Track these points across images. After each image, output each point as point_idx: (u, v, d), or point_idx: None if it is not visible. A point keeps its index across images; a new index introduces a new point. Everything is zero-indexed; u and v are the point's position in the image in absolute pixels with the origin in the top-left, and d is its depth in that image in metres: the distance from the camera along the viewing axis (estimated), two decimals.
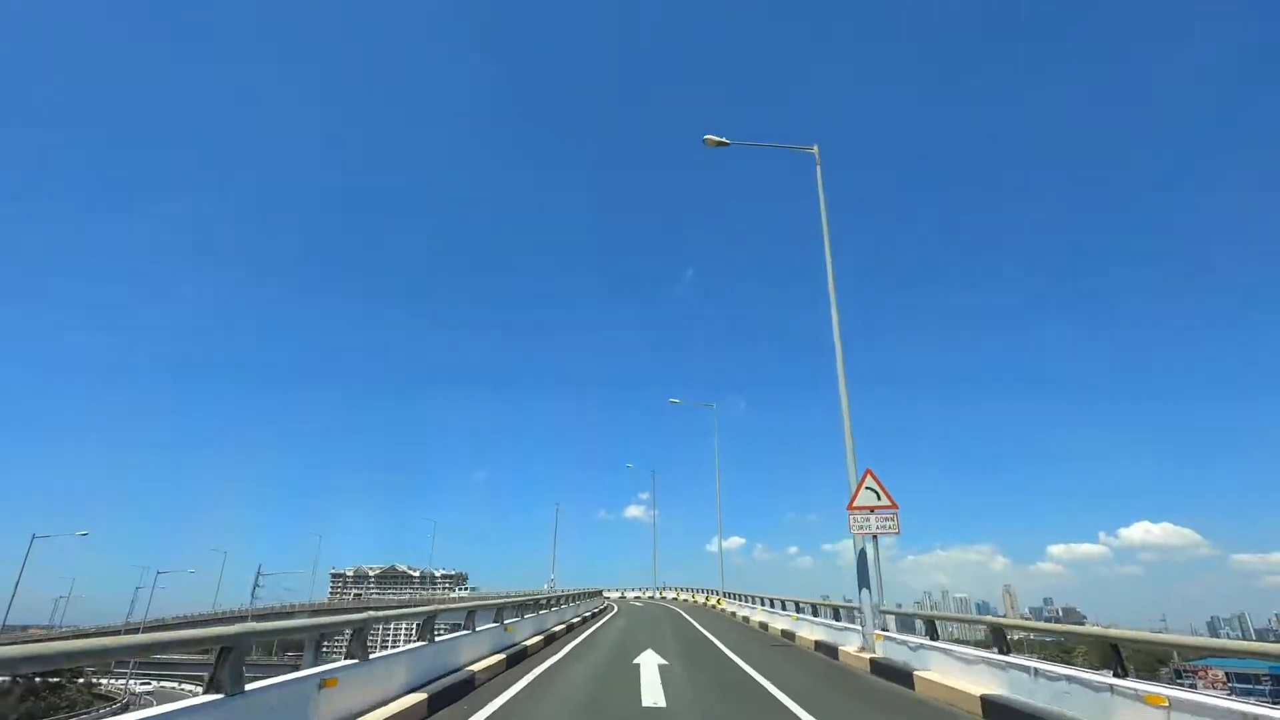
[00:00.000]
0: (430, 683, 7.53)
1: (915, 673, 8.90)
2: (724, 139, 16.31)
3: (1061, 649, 63.06)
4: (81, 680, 43.82)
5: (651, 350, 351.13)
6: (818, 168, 15.38)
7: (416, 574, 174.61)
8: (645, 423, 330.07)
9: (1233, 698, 4.94)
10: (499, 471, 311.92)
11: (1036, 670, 6.65)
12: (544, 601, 17.48)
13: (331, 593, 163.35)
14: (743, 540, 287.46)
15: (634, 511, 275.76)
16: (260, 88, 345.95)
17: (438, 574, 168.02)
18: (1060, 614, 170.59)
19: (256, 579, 52.63)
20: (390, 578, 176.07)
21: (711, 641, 15.54)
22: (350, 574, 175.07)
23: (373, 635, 6.71)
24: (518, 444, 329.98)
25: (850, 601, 13.37)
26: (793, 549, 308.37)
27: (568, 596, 21.57)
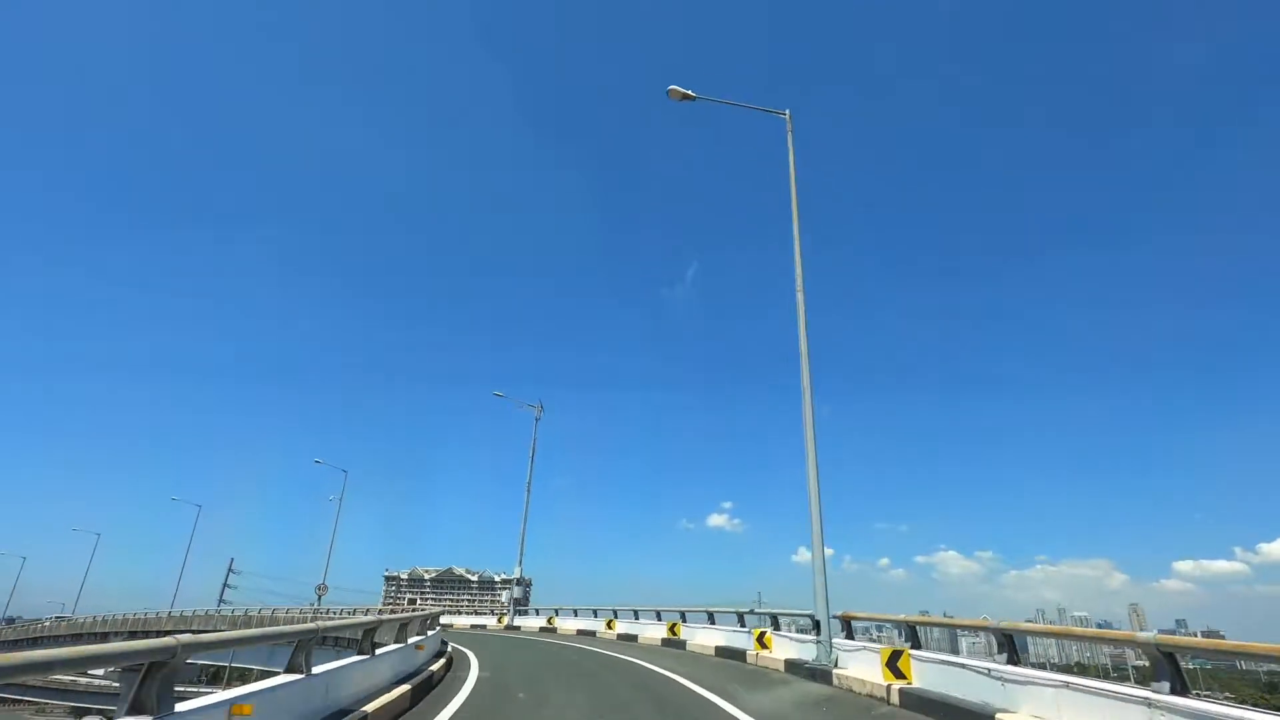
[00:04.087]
0: None
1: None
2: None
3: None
4: None
5: (725, 349, 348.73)
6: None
7: (474, 578, 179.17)
8: (723, 425, 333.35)
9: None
10: (576, 478, 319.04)
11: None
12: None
13: (385, 596, 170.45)
14: (830, 551, 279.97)
15: (717, 520, 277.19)
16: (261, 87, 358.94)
17: (498, 578, 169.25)
18: (1199, 637, 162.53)
19: (227, 577, 55.22)
20: (447, 581, 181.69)
21: None
22: (405, 576, 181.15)
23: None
24: (593, 450, 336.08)
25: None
26: (884, 561, 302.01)
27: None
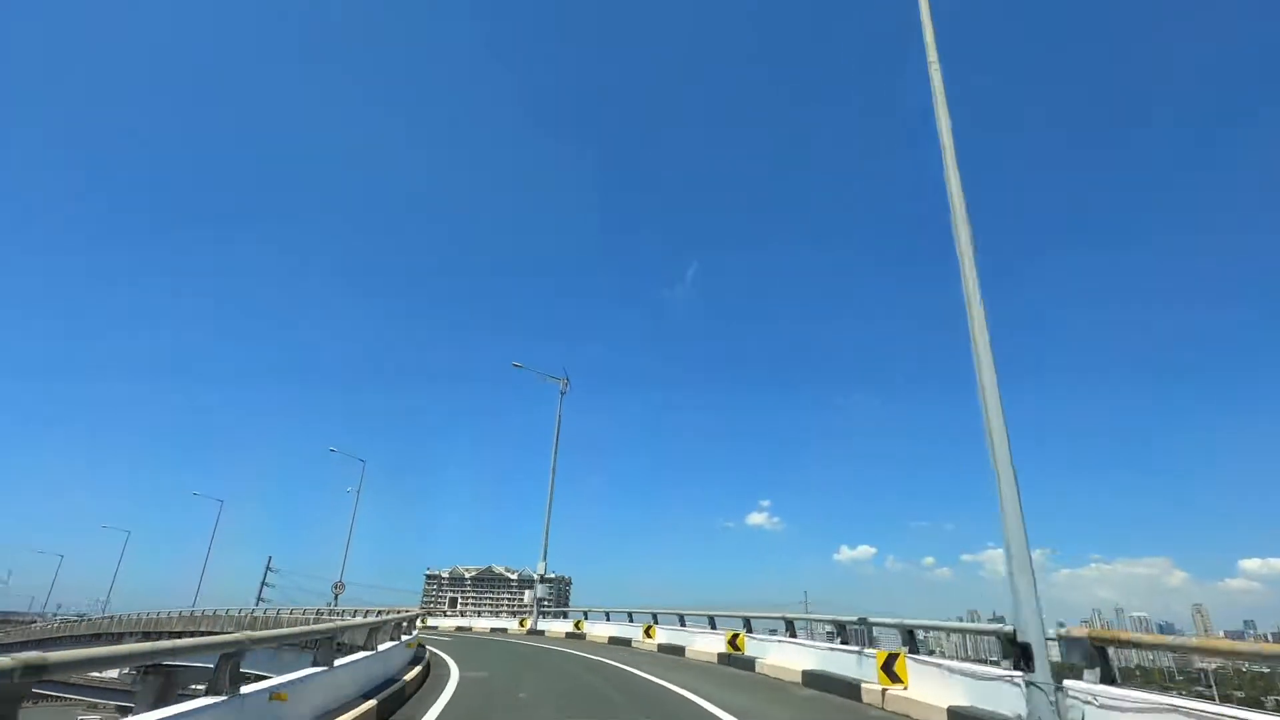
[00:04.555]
0: None
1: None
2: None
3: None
4: None
5: (769, 344, 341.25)
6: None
7: (514, 576, 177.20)
8: (765, 424, 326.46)
9: None
10: (609, 477, 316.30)
11: None
12: None
13: (426, 594, 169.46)
14: (873, 550, 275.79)
15: (757, 519, 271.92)
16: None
17: (536, 576, 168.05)
18: (1269, 639, 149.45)
19: (265, 575, 52.24)
20: (487, 579, 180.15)
21: None
22: (446, 575, 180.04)
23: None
24: (626, 449, 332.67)
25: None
26: (928, 559, 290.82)
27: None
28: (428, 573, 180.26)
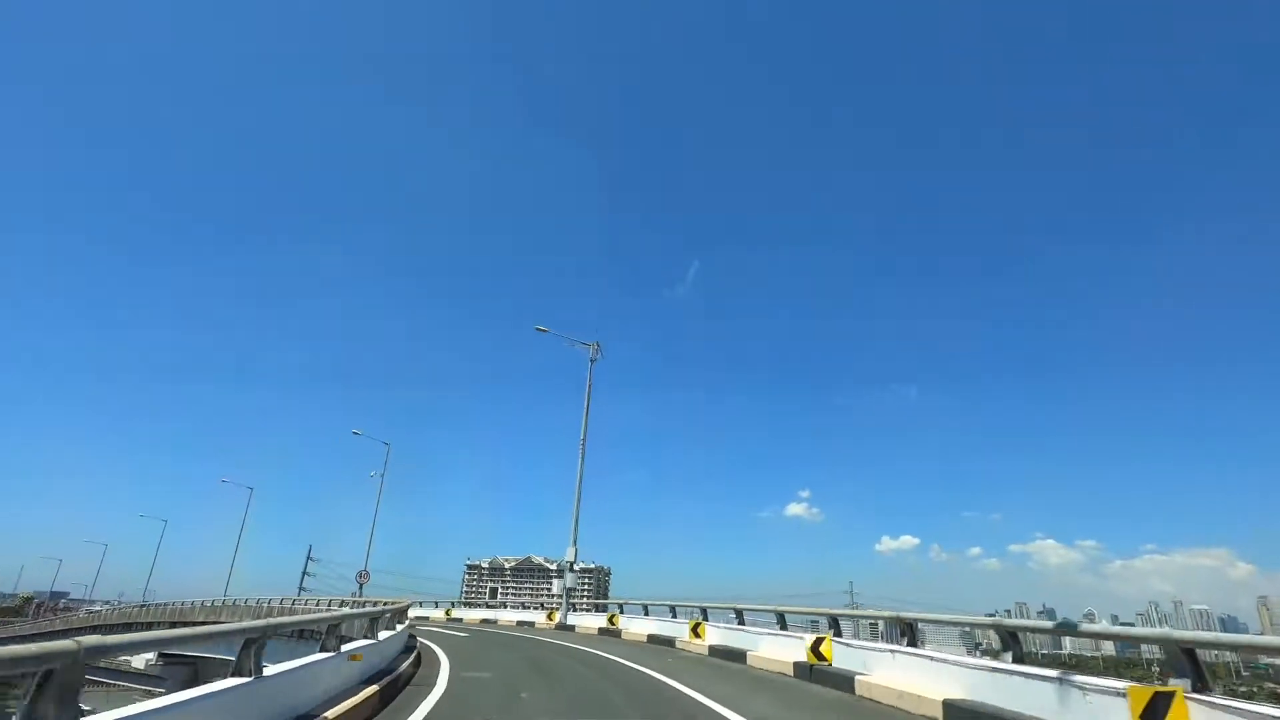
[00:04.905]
0: None
1: None
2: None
3: None
4: None
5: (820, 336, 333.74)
6: None
7: (553, 566, 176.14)
8: (803, 415, 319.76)
9: None
10: (645, 470, 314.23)
11: None
12: None
13: (467, 585, 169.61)
14: (916, 540, 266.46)
15: (796, 509, 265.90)
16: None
17: (577, 568, 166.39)
18: None
19: (306, 565, 50.21)
20: (526, 570, 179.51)
21: None
22: (486, 565, 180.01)
23: None
24: (662, 442, 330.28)
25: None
26: (975, 550, 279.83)
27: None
28: (468, 563, 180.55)
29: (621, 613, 22.82)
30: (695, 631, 16.66)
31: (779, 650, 12.70)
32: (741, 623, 15.66)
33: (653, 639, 18.85)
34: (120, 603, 60.71)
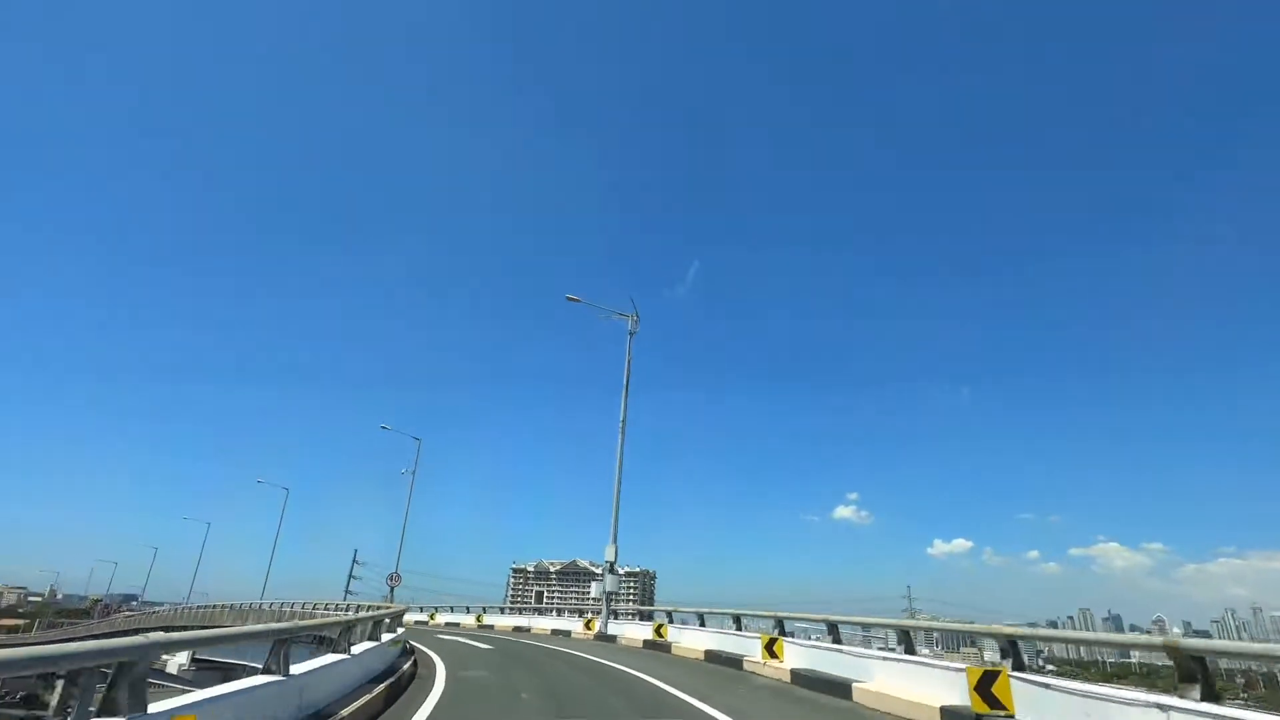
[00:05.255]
0: None
1: None
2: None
3: None
4: None
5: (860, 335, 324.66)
6: None
7: (599, 570, 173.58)
8: (851, 417, 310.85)
9: None
10: (686, 475, 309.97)
11: None
12: None
13: (513, 589, 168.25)
14: (969, 543, 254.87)
15: (844, 512, 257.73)
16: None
17: (622, 570, 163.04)
18: None
19: (351, 568, 48.00)
20: (571, 574, 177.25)
21: None
22: (531, 569, 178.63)
23: None
24: (702, 446, 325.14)
25: None
26: (1032, 553, 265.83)
27: None
28: (514, 567, 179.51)
29: (670, 622, 18.94)
30: (771, 650, 12.63)
31: (911, 684, 8.58)
32: (835, 641, 11.58)
33: (711, 657, 14.91)
34: (184, 606, 60.27)
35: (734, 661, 13.76)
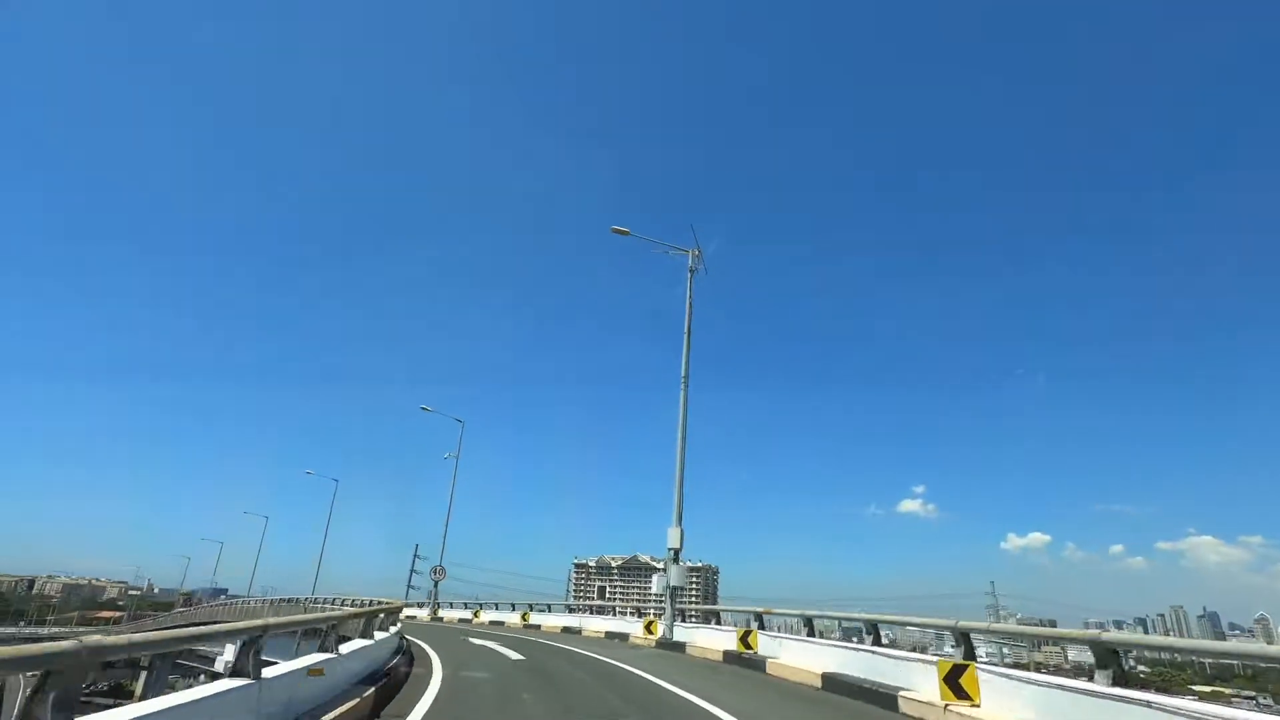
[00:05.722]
0: None
1: None
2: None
3: None
4: None
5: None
6: None
7: (660, 565, 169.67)
8: (916, 408, 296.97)
9: None
10: (746, 471, 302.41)
11: None
12: None
13: (576, 584, 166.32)
14: (1046, 537, 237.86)
15: (910, 506, 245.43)
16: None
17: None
18: None
19: (413, 563, 45.02)
20: (633, 568, 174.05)
21: None
22: (593, 564, 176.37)
23: None
24: (776, 442, 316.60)
25: None
26: (1116, 548, 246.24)
27: None
28: (575, 561, 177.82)
29: (761, 627, 13.83)
30: (956, 683, 7.37)
31: None
32: (1101, 688, 6.27)
33: (836, 684, 9.76)
34: (266, 598, 59.84)
35: (884, 698, 8.55)
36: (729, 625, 15.62)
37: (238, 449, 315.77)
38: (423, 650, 15.22)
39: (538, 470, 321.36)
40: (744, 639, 13.25)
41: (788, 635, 12.78)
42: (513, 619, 28.86)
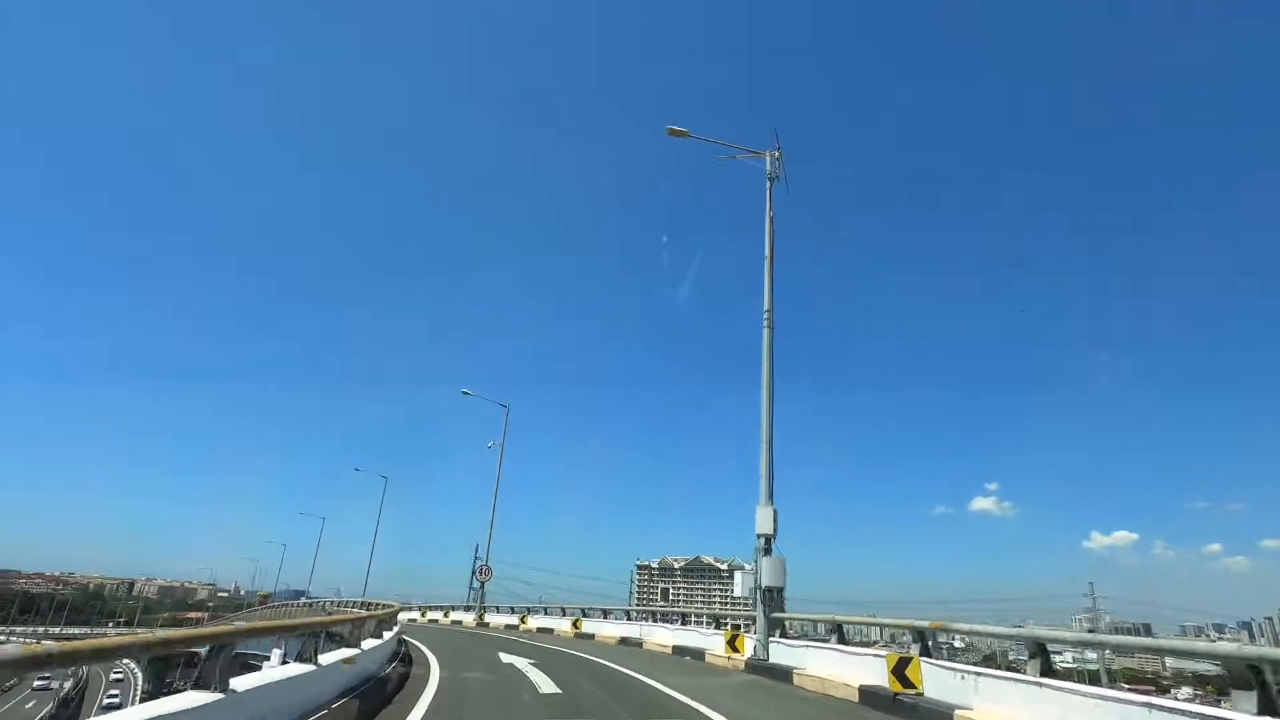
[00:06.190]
0: None
1: None
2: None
3: None
4: None
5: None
6: None
7: (724, 566, 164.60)
8: (990, 399, 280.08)
9: None
10: (823, 469, 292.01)
11: None
12: None
13: (639, 585, 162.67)
14: (1134, 536, 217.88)
15: (982, 504, 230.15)
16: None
17: (746, 566, 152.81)
18: None
19: (474, 567, 41.69)
20: (696, 570, 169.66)
21: None
22: (655, 566, 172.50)
23: None
24: (846, 437, 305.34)
25: None
26: (1213, 547, 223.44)
27: None
28: (638, 563, 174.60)
29: (930, 652, 8.85)
30: None
31: None
32: None
33: None
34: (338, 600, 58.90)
35: None
36: (856, 643, 10.64)
37: (299, 451, 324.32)
38: (422, 661, 11.12)
39: (601, 473, 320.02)
40: (899, 671, 8.27)
41: (954, 664, 7.73)
42: (563, 626, 24.66)
